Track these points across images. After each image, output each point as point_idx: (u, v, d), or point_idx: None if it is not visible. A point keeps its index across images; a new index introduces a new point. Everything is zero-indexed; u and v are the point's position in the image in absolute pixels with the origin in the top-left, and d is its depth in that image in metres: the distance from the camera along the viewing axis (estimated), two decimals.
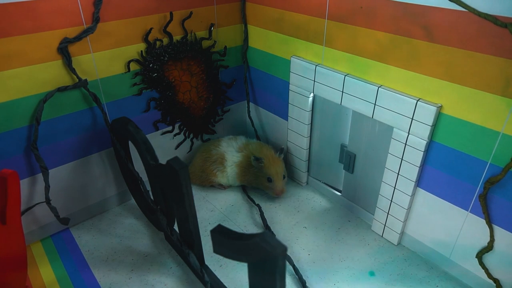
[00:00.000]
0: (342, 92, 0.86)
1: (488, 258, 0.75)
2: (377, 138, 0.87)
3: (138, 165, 0.89)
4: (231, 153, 1.07)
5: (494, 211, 0.71)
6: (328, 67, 0.89)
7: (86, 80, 0.84)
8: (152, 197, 0.87)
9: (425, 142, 0.75)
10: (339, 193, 1.03)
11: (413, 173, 0.80)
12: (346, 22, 0.80)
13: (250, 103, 1.19)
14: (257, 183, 1.05)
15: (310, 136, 1.04)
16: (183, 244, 0.80)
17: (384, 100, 0.78)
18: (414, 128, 0.76)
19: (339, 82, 0.86)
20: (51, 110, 0.82)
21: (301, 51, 0.94)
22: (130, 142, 0.90)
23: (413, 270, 0.84)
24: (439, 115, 0.72)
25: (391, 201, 0.87)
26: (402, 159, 0.80)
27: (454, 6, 0.63)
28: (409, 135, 0.77)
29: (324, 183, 1.07)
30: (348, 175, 0.99)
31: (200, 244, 0.78)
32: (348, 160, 0.95)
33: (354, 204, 1.00)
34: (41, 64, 0.77)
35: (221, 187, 1.10)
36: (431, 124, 0.73)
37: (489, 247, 0.73)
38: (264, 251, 0.48)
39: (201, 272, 0.77)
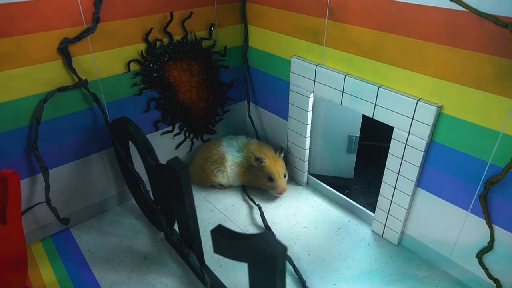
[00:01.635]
0: (343, 92, 0.86)
1: (488, 258, 0.75)
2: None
3: (138, 165, 0.89)
4: (231, 153, 1.07)
5: (494, 211, 0.71)
6: (329, 67, 0.89)
7: (86, 80, 0.84)
8: (152, 197, 0.87)
9: (425, 142, 0.75)
10: (339, 193, 1.03)
11: (413, 173, 0.80)
12: (347, 22, 0.80)
13: (250, 103, 1.19)
14: (258, 183, 1.05)
15: (312, 132, 1.04)
16: (183, 244, 0.80)
17: (385, 100, 0.78)
18: (414, 128, 0.76)
19: (340, 82, 0.86)
20: (51, 110, 0.82)
21: (302, 51, 0.94)
22: (130, 142, 0.90)
23: (413, 270, 0.84)
24: (439, 115, 0.72)
25: (391, 201, 0.87)
26: (402, 159, 0.80)
27: (454, 6, 0.63)
28: (409, 135, 0.77)
29: (331, 176, 1.06)
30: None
31: (200, 244, 0.79)
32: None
33: (354, 204, 1.00)
34: (41, 64, 0.77)
35: (221, 187, 1.10)
36: (431, 124, 0.73)
37: (489, 247, 0.73)
38: (264, 251, 0.48)
39: (201, 272, 0.77)
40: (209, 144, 1.11)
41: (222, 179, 1.08)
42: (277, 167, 1.02)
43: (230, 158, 1.06)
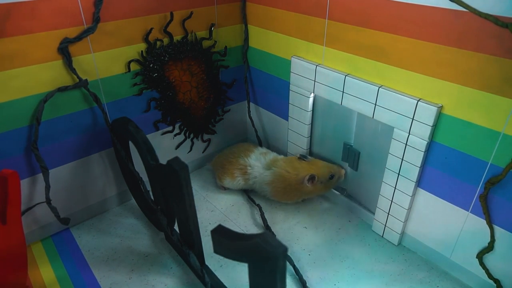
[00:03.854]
0: (343, 92, 0.86)
1: (488, 259, 0.75)
2: (379, 137, 0.87)
3: (138, 165, 0.89)
4: (257, 169, 1.03)
5: (495, 212, 0.70)
6: (329, 67, 0.89)
7: (86, 80, 0.84)
8: (152, 197, 0.87)
9: (426, 142, 0.75)
10: (339, 193, 1.03)
11: (414, 174, 0.80)
12: (347, 22, 0.80)
13: (251, 103, 1.19)
14: (322, 191, 1.01)
15: (311, 136, 1.04)
16: (184, 244, 0.80)
17: (385, 100, 0.78)
18: (414, 128, 0.75)
19: (340, 82, 0.86)
20: (51, 110, 0.82)
21: (302, 51, 0.94)
22: (130, 142, 0.90)
23: (414, 270, 0.84)
24: (439, 115, 0.72)
25: (392, 201, 0.87)
26: (402, 159, 0.80)
27: (455, 6, 0.62)
28: (410, 135, 0.77)
29: None
30: (352, 172, 0.99)
31: (201, 244, 0.78)
32: (353, 157, 0.95)
33: (354, 204, 1.00)
34: (42, 64, 0.77)
35: (222, 188, 1.10)
36: (431, 124, 0.72)
37: (489, 248, 0.73)
38: (264, 251, 0.48)
39: (202, 272, 0.77)
40: (240, 150, 1.07)
41: (232, 184, 1.06)
42: (322, 166, 0.98)
43: (255, 174, 1.03)
